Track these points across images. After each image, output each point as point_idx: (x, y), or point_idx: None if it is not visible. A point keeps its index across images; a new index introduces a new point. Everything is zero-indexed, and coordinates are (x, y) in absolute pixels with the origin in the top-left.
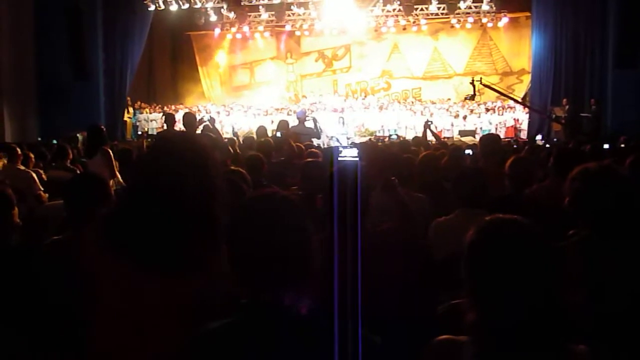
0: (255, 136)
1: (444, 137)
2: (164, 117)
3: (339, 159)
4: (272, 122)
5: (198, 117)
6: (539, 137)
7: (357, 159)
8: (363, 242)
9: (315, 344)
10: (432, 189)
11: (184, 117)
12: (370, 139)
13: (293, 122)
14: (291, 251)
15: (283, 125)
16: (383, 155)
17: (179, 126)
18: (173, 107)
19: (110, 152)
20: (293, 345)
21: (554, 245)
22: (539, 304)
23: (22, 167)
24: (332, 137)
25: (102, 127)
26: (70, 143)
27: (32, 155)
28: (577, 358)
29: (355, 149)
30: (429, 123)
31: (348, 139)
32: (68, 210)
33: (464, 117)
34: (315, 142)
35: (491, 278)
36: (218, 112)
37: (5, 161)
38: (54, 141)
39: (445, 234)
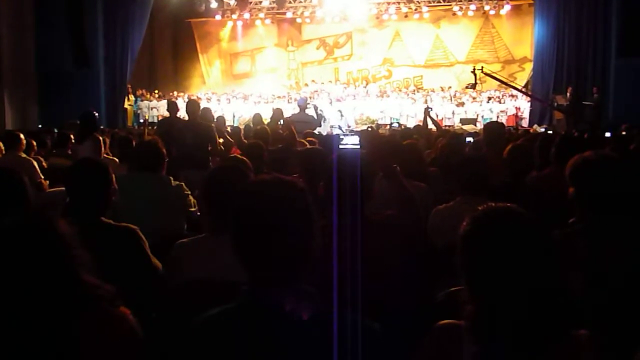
0: (252, 124)
1: (446, 126)
2: (167, 104)
3: (340, 146)
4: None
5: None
6: (538, 122)
7: (358, 146)
8: (364, 229)
9: (314, 331)
10: (415, 178)
11: (187, 104)
12: (371, 126)
13: (294, 110)
14: (296, 235)
15: (278, 113)
16: (384, 142)
17: (182, 114)
18: (174, 95)
19: (101, 138)
20: (293, 332)
21: (553, 232)
22: (536, 293)
23: (24, 155)
24: (333, 126)
25: (95, 113)
26: (70, 130)
27: (34, 143)
28: (579, 343)
29: (357, 136)
30: (429, 109)
31: (348, 127)
32: (70, 196)
33: (462, 104)
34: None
35: (486, 268)
36: (219, 100)
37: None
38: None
39: (446, 221)
